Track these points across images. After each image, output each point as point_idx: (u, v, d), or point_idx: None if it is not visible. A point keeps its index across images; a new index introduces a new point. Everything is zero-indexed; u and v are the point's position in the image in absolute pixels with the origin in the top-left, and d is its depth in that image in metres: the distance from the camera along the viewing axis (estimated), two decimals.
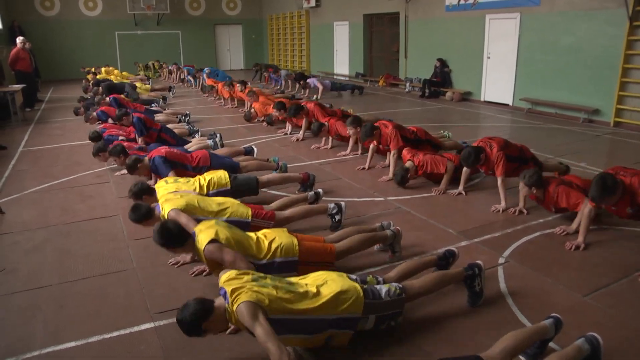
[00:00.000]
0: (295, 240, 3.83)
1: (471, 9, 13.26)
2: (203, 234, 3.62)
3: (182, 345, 3.20)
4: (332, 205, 4.98)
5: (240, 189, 5.39)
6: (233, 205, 4.54)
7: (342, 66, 20.03)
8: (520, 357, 2.92)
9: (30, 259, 4.54)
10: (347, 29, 19.20)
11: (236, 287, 2.87)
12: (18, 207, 5.90)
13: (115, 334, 3.35)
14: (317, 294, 3.02)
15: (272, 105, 10.09)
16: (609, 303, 3.59)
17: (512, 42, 12.12)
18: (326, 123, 8.26)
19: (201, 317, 2.82)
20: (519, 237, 4.72)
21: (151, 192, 4.89)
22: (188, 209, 4.26)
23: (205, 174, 5.43)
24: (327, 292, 3.04)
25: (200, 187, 5.13)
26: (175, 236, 3.61)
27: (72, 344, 3.25)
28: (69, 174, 7.21)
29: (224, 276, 3.01)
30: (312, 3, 20.71)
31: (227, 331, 3.27)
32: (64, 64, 22.15)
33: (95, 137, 7.80)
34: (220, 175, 5.31)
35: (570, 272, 4.08)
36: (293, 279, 3.20)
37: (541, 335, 2.88)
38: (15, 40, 13.87)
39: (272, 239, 3.82)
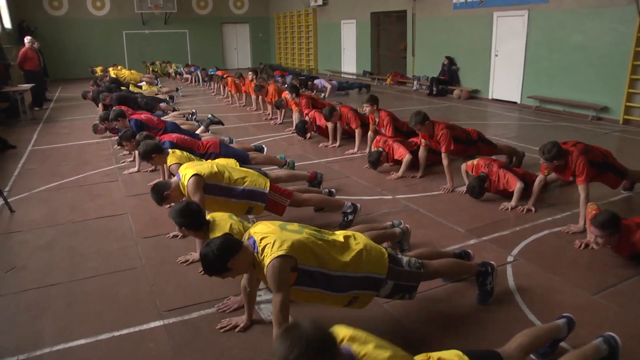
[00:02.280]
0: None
1: (479, 6, 13.21)
2: (217, 226, 3.63)
3: (191, 343, 3.21)
4: (349, 203, 5.00)
5: None
6: (252, 175, 4.66)
7: (349, 64, 20.01)
8: (532, 356, 2.91)
9: (40, 257, 4.57)
10: (354, 27, 19.17)
11: (265, 237, 2.85)
12: (27, 206, 5.94)
13: (125, 331, 3.36)
14: (345, 245, 3.02)
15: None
16: (618, 302, 3.57)
17: (520, 39, 12.06)
18: (338, 108, 8.24)
19: (229, 251, 2.78)
20: (528, 236, 4.70)
21: (160, 149, 5.02)
22: (211, 176, 4.39)
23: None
24: (355, 245, 3.04)
25: None
26: (195, 219, 3.63)
27: (82, 341, 3.26)
28: (77, 173, 7.25)
29: (253, 228, 3.01)
30: (319, 1, 20.70)
31: (237, 329, 3.28)
32: (72, 64, 22.28)
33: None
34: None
35: (579, 271, 4.06)
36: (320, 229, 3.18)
37: (554, 334, 2.87)
38: (24, 40, 13.95)
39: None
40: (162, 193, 4.41)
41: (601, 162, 4.93)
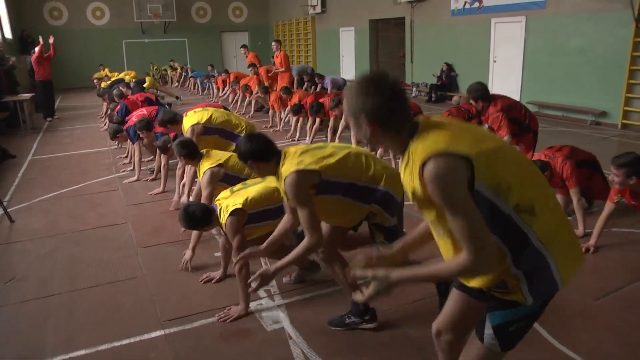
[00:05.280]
0: None
1: (477, 13, 13.25)
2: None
3: (192, 353, 3.20)
4: None
5: None
6: None
7: (348, 72, 20.01)
8: None
9: (41, 266, 4.57)
10: (353, 34, 19.22)
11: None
12: (28, 215, 5.93)
13: (126, 341, 3.35)
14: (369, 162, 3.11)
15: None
16: (620, 307, 3.56)
17: (518, 45, 12.09)
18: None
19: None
20: None
21: (176, 120, 5.84)
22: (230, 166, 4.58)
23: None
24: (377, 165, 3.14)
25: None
26: (199, 220, 3.64)
27: (83, 352, 3.25)
28: (78, 182, 7.25)
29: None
30: (318, 9, 20.75)
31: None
32: (72, 73, 22.25)
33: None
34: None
35: (581, 276, 4.02)
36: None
37: None
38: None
39: None
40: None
41: (589, 160, 4.91)
